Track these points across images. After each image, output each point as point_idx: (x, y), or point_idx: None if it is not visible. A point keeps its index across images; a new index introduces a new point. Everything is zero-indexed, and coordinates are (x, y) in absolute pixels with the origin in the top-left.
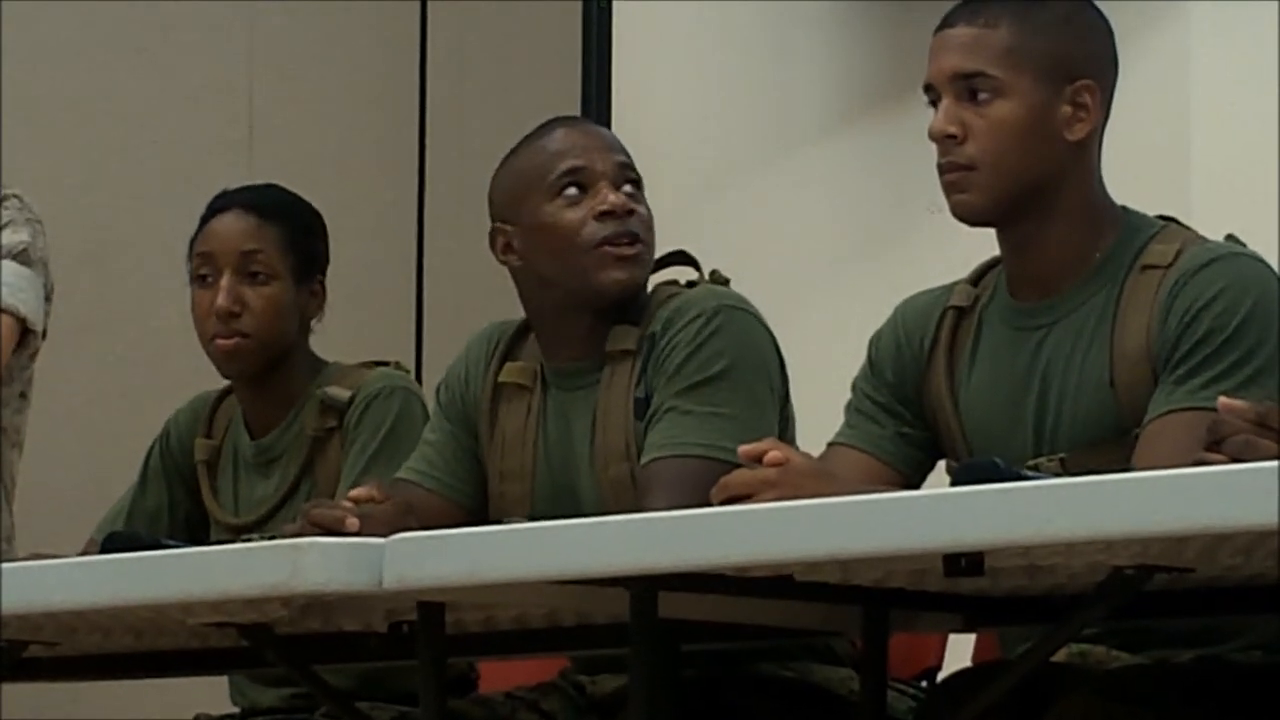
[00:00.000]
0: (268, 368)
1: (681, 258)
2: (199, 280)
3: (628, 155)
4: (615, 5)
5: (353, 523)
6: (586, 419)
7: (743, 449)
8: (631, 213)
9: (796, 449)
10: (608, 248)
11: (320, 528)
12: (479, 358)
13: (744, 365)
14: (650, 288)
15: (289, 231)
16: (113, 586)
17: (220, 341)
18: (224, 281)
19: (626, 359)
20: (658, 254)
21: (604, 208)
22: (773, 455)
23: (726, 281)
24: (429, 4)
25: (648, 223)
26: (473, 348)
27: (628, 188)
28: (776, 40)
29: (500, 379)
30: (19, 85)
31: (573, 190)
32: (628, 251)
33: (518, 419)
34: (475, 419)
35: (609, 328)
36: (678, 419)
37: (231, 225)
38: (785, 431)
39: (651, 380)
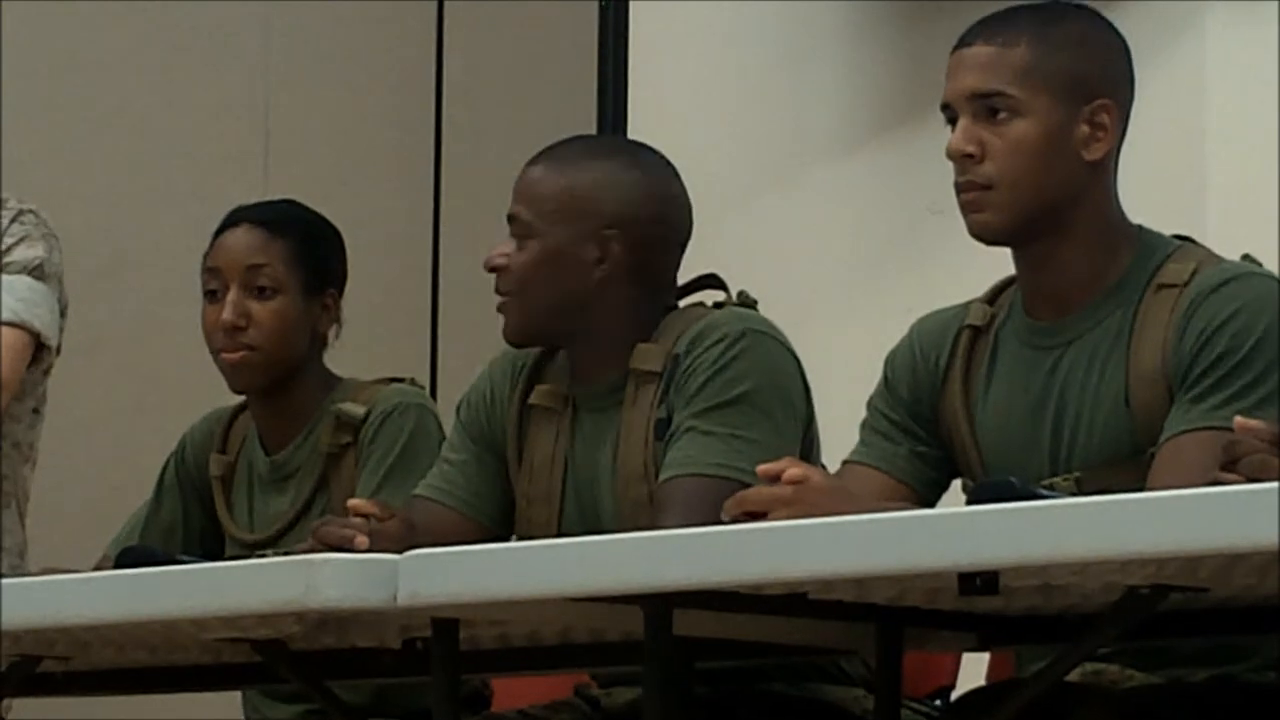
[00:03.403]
0: (278, 382)
1: (711, 281)
2: (208, 295)
3: (530, 196)
4: (631, 16)
5: (362, 540)
6: (611, 439)
7: (761, 467)
8: (497, 269)
9: (821, 468)
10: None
11: (329, 546)
12: (504, 379)
13: (766, 389)
14: (679, 308)
15: (297, 245)
16: (126, 601)
17: (226, 355)
18: (230, 296)
19: (651, 379)
20: (684, 278)
21: None
22: (791, 473)
23: (754, 304)
24: (445, 18)
25: (518, 270)
26: (496, 368)
27: (507, 241)
28: (793, 53)
29: (530, 401)
30: (33, 98)
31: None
32: (500, 304)
33: (546, 442)
34: (500, 440)
35: (634, 347)
36: (697, 439)
37: (239, 240)
38: (809, 456)
39: (673, 401)
